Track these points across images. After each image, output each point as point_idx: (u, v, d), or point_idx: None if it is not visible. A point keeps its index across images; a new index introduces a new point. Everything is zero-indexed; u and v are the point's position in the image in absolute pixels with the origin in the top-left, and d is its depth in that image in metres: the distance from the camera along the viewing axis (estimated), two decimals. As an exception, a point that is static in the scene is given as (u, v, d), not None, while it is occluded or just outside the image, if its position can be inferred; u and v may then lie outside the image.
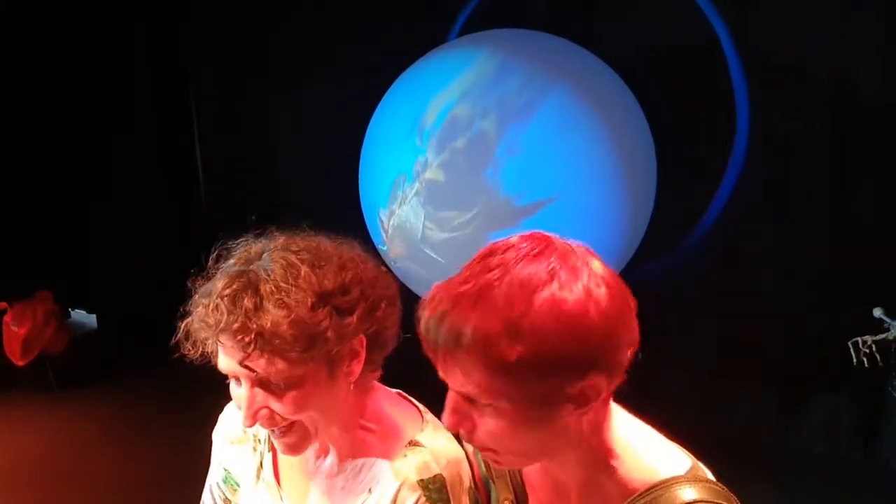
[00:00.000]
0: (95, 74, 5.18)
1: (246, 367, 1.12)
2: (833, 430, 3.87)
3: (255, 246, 1.19)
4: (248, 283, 1.12)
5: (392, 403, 1.30)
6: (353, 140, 4.04)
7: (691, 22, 3.88)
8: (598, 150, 3.55)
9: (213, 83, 5.47)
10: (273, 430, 1.21)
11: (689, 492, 1.01)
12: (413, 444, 1.24)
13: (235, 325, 1.09)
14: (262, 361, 1.11)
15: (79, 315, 5.38)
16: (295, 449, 1.22)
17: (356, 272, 1.18)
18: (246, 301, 1.10)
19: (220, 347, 1.15)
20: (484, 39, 3.92)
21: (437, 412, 1.08)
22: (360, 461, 1.26)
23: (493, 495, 1.22)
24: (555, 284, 0.94)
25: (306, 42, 4.92)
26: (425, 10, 4.53)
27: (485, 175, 3.45)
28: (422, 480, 1.20)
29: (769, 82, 3.81)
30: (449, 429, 1.03)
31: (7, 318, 4.72)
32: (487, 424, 0.99)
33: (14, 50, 5.05)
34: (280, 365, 1.11)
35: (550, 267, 0.95)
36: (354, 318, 1.15)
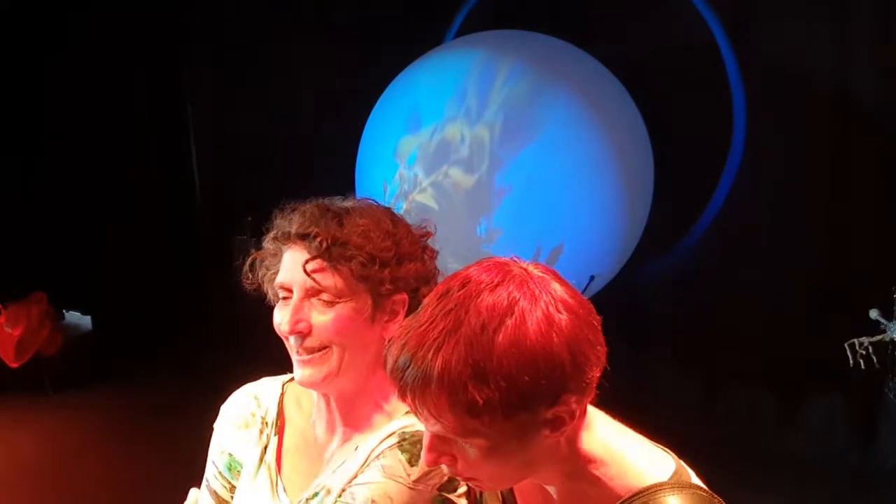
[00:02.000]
0: (92, 74, 5.17)
1: (307, 273, 1.23)
2: (830, 431, 3.87)
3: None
4: (332, 213, 1.27)
5: None
6: (351, 141, 4.03)
7: (689, 25, 3.88)
8: (597, 151, 3.54)
9: (210, 84, 5.46)
10: (301, 352, 1.26)
11: (672, 500, 1.02)
12: (409, 412, 1.27)
13: (315, 229, 1.24)
14: (325, 271, 1.23)
15: (73, 317, 5.35)
16: (313, 380, 1.27)
17: (425, 241, 1.32)
18: (328, 219, 1.26)
19: (285, 258, 1.27)
20: (480, 41, 3.91)
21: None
22: (364, 436, 1.30)
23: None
24: (515, 317, 0.94)
25: (305, 42, 4.91)
26: (424, 11, 4.53)
27: (479, 201, 3.43)
28: (403, 432, 1.27)
29: (767, 84, 3.81)
30: (428, 465, 1.05)
31: (1, 319, 4.70)
32: (466, 458, 1.00)
33: (12, 48, 5.04)
34: (336, 279, 1.23)
35: (510, 299, 0.95)
36: (412, 267, 1.27)
